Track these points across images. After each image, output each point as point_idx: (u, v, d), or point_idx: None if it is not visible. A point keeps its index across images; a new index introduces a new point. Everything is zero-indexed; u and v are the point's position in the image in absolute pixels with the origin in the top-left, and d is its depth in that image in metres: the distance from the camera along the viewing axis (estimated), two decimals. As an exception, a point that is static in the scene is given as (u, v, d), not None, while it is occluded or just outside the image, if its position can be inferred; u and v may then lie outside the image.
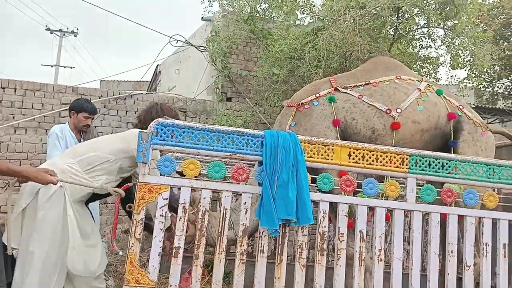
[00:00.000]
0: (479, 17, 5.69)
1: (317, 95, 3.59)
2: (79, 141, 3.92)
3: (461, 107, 3.72)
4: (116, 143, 2.71)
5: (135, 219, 2.34)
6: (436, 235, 2.62)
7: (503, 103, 15.43)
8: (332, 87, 3.63)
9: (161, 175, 2.42)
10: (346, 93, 3.58)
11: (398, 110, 3.44)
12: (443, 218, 2.69)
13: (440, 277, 2.61)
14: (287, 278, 2.43)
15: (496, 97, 15.86)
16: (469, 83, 9.78)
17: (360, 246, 2.53)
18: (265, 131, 2.53)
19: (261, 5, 8.01)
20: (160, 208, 2.37)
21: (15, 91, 6.49)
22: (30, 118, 6.42)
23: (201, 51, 8.50)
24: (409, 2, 5.30)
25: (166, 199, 2.39)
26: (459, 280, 2.64)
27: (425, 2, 5.59)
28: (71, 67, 31.01)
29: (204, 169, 2.56)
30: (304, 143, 2.55)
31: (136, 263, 2.30)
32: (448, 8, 5.59)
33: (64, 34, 23.48)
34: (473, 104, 9.81)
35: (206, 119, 7.70)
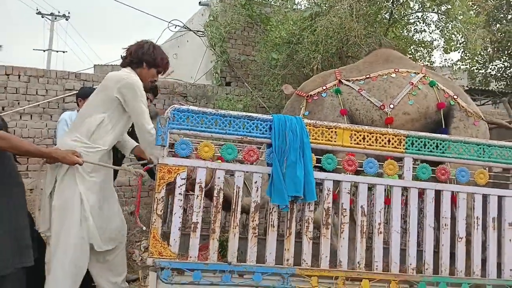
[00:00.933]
0: (472, 1, 5.85)
1: (324, 87, 3.91)
2: None
3: (455, 96, 3.95)
4: (101, 97, 2.78)
5: (156, 197, 2.54)
6: (431, 210, 2.85)
7: (496, 85, 15.69)
8: (337, 79, 3.94)
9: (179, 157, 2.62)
10: (348, 86, 3.91)
11: (391, 106, 3.77)
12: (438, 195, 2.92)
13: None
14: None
15: (488, 79, 16.09)
16: (462, 65, 9.98)
17: (361, 220, 2.76)
18: (273, 116, 2.72)
19: (258, -11, 8.13)
20: (178, 187, 2.58)
21: (19, 77, 6.63)
22: (34, 104, 6.58)
23: (199, 36, 8.62)
24: (405, -12, 5.46)
25: (184, 178, 2.59)
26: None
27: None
28: (64, 51, 30.71)
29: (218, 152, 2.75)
30: (309, 126, 2.75)
31: (158, 237, 2.51)
32: (442, -7, 5.76)
33: (55, 18, 23.25)
34: (466, 86, 10.03)
35: (206, 103, 7.88)
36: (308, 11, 6.22)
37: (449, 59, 6.97)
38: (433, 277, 2.78)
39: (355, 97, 3.86)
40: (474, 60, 11.55)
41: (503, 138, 4.66)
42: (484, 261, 2.90)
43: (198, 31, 8.62)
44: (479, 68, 15.68)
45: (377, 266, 2.74)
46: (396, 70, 4.01)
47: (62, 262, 2.61)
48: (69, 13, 23.35)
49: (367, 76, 3.98)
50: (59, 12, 23.52)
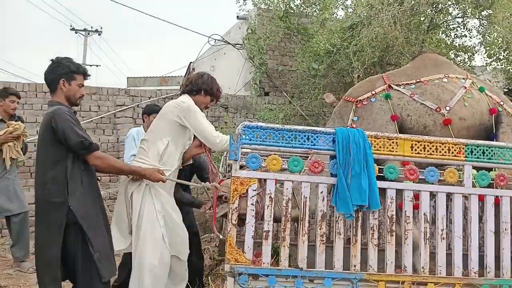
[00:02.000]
0: (515, 6, 5.87)
1: (373, 92, 3.88)
2: None
3: (501, 103, 4.03)
4: (163, 122, 3.05)
5: (231, 208, 2.74)
6: (491, 215, 2.94)
7: (534, 85, 15.31)
8: (386, 84, 3.92)
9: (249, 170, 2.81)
10: (399, 91, 3.87)
11: (447, 108, 3.76)
12: (496, 201, 3.00)
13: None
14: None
15: (526, 78, 15.71)
16: (498, 65, 9.84)
17: (424, 227, 2.87)
18: (336, 129, 2.88)
19: (295, 2, 8.31)
20: (250, 198, 2.77)
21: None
22: (88, 120, 6.93)
23: (238, 49, 8.86)
24: (446, -5, 5.54)
25: (255, 190, 2.79)
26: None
27: (460, -6, 5.82)
28: (97, 65, 31.71)
29: (284, 164, 2.93)
30: (371, 138, 2.89)
31: (234, 245, 2.71)
32: (482, -1, 5.80)
33: (88, 33, 24.10)
34: (505, 87, 9.87)
35: (246, 113, 8.10)
36: (348, 21, 6.36)
37: (490, 63, 6.92)
38: (496, 280, 2.87)
39: (407, 102, 3.84)
40: (510, 60, 11.34)
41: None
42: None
43: (236, 44, 8.87)
44: (515, 67, 15.31)
45: (441, 270, 2.85)
46: (447, 75, 4.05)
47: (145, 277, 2.83)
48: (101, 28, 24.11)
49: (418, 80, 3.96)
50: (91, 27, 24.29)
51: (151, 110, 4.45)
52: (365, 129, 3.51)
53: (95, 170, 2.82)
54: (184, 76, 14.21)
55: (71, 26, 24.02)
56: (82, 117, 6.95)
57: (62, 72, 2.69)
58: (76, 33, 23.95)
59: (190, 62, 13.14)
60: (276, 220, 2.96)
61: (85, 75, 2.81)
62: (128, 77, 21.74)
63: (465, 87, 3.93)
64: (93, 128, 6.90)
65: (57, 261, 2.50)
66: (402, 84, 3.92)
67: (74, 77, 2.72)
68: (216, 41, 9.30)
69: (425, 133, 3.75)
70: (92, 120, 6.94)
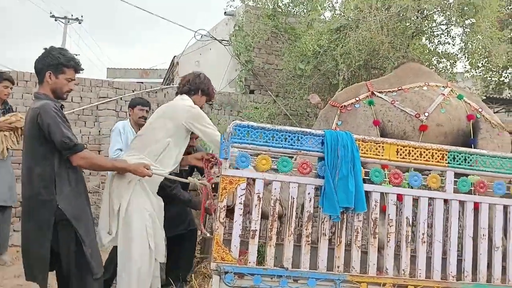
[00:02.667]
0: (497, 17, 6.04)
1: (357, 98, 4.10)
2: None
3: (480, 109, 4.21)
4: (167, 124, 3.05)
5: (218, 206, 2.76)
6: (470, 221, 3.04)
7: (509, 93, 15.76)
8: (369, 91, 4.14)
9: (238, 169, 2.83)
10: (381, 97, 4.10)
11: (426, 114, 3.97)
12: (475, 206, 3.10)
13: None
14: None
15: (502, 86, 16.15)
16: (477, 73, 10.09)
17: (406, 231, 2.95)
18: (325, 131, 2.93)
19: (283, 1, 8.33)
20: (239, 196, 2.79)
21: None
22: (70, 111, 6.82)
23: (224, 45, 8.84)
24: (432, 3, 5.65)
25: (244, 189, 2.81)
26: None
27: (446, 2, 5.94)
28: (77, 55, 31.08)
29: (274, 164, 2.95)
30: (359, 141, 2.95)
31: (221, 243, 2.72)
32: (467, 8, 5.94)
33: (68, 21, 23.64)
34: (484, 95, 10.12)
35: (231, 111, 8.11)
36: (336, 23, 6.43)
37: (470, 69, 7.10)
38: (472, 284, 2.97)
39: (388, 108, 4.05)
40: (488, 68, 11.62)
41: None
42: None
43: (223, 40, 8.85)
44: (493, 75, 15.72)
45: (420, 273, 2.93)
46: (427, 83, 4.22)
47: (133, 275, 2.83)
48: (82, 16, 23.67)
49: (399, 88, 4.18)
50: (72, 15, 23.83)
51: (135, 102, 4.45)
52: None
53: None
54: (168, 70, 14.08)
55: (51, 13, 23.52)
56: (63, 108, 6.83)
57: (50, 63, 2.59)
58: (55, 20, 23.46)
59: (174, 56, 13.04)
60: (264, 217, 3.00)
61: (77, 69, 2.68)
62: (108, 68, 21.41)
63: (444, 94, 4.12)
64: (74, 120, 6.79)
65: (48, 257, 2.47)
66: (385, 91, 4.15)
67: (63, 70, 2.60)
68: (203, 36, 9.25)
69: (404, 138, 3.89)
70: (74, 112, 6.83)
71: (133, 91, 7.30)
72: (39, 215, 2.50)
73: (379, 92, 4.14)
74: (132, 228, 2.82)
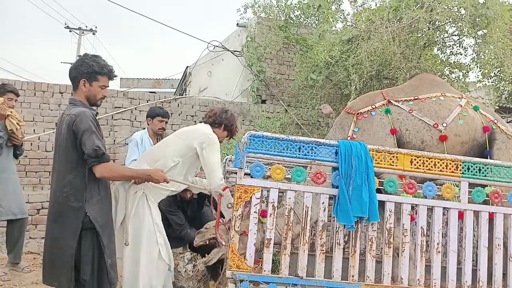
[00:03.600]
0: (510, 28, 6.04)
1: (373, 106, 4.04)
2: None
3: (495, 121, 4.21)
4: (180, 144, 3.11)
5: (234, 215, 2.80)
6: (485, 231, 3.04)
7: (523, 103, 15.62)
8: (385, 99, 4.08)
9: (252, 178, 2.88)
10: (398, 106, 4.04)
11: (444, 125, 3.93)
12: (490, 216, 3.10)
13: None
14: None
15: (515, 96, 16.03)
16: (489, 83, 10.05)
17: (421, 240, 2.96)
18: (339, 142, 2.96)
19: (294, 12, 8.43)
20: (254, 206, 2.83)
21: (72, 95, 6.97)
22: (85, 121, 6.91)
23: (236, 56, 8.94)
24: (444, 15, 5.69)
25: (259, 198, 2.85)
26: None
27: (458, 13, 5.97)
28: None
29: (288, 174, 3.00)
30: (372, 151, 2.98)
31: (236, 252, 2.76)
32: (479, 19, 5.96)
33: (83, 32, 23.98)
34: (497, 105, 10.07)
35: (243, 120, 8.17)
36: (347, 34, 6.48)
37: (483, 79, 7.09)
38: (488, 294, 2.96)
39: (406, 117, 4.00)
40: (500, 78, 11.55)
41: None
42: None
43: (235, 51, 8.95)
44: (505, 85, 15.58)
45: (435, 283, 2.93)
46: (443, 94, 4.22)
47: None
48: (96, 27, 24.04)
49: (415, 97, 4.13)
50: (86, 26, 24.19)
51: (155, 113, 4.49)
52: (365, 140, 3.63)
53: None
54: (180, 80, 14.25)
55: (65, 24, 23.91)
56: (80, 117, 6.95)
57: (84, 71, 2.64)
58: (70, 31, 23.83)
59: (187, 67, 13.20)
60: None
61: (110, 76, 2.74)
62: (121, 78, 21.69)
63: (461, 106, 4.10)
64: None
65: (72, 263, 2.52)
66: (401, 100, 4.09)
67: (97, 78, 2.66)
68: (215, 47, 9.37)
69: (422, 147, 3.88)
70: (89, 121, 6.93)
71: (147, 101, 7.40)
72: (68, 221, 2.54)
73: (395, 101, 4.10)
74: (143, 243, 2.89)
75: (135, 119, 7.15)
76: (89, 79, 2.65)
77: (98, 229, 2.55)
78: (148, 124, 4.45)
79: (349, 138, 3.88)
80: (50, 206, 2.71)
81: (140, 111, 7.11)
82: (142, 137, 4.32)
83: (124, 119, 7.05)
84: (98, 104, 2.77)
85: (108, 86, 2.78)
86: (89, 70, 2.65)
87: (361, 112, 4.04)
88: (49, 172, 6.33)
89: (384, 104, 4.06)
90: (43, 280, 2.69)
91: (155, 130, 4.42)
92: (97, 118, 2.71)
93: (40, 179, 6.37)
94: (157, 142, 4.49)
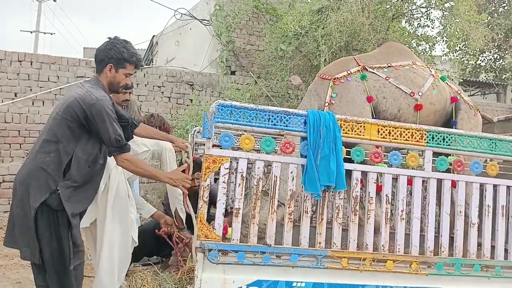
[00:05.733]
0: (476, 1, 6.13)
1: (349, 72, 3.92)
2: None
3: (459, 91, 4.29)
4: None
5: (202, 185, 2.77)
6: (447, 198, 3.14)
7: (485, 76, 16.12)
8: (359, 65, 3.98)
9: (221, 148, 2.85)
10: (374, 73, 3.95)
11: (420, 93, 3.91)
12: (453, 184, 3.20)
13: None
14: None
15: (478, 70, 16.51)
16: (455, 56, 10.27)
17: (386, 208, 3.03)
18: (308, 111, 2.95)
19: (264, -19, 8.25)
20: (222, 176, 2.81)
21: (31, 64, 6.72)
22: (47, 91, 6.69)
23: (205, 25, 8.73)
24: (414, -15, 5.70)
25: (227, 168, 2.83)
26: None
27: (426, -16, 6.00)
28: (51, 33, 30.28)
29: (257, 144, 2.98)
30: (341, 121, 2.99)
31: (204, 221, 2.75)
32: (447, -10, 6.02)
33: (43, -1, 22.92)
34: (461, 78, 10.35)
35: (212, 92, 8.07)
36: (317, 4, 6.41)
37: (448, 53, 7.23)
38: (449, 258, 3.08)
39: (383, 84, 3.92)
40: (465, 51, 11.84)
41: (505, 131, 5.01)
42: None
43: (203, 19, 8.74)
44: (470, 59, 16.05)
45: (399, 249, 3.02)
46: (414, 62, 4.22)
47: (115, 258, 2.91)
48: (56, -6, 22.95)
49: (389, 65, 4.06)
50: (46, -7, 23.06)
51: None
52: (344, 106, 3.64)
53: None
54: (147, 50, 13.85)
55: (24, -10, 22.73)
56: (40, 87, 6.69)
57: (113, 56, 2.57)
58: (29, -2, 22.67)
59: (153, 36, 12.81)
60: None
61: (137, 65, 2.67)
62: (84, 48, 20.91)
63: (433, 75, 4.13)
64: (51, 100, 6.66)
65: (34, 229, 2.43)
66: (375, 67, 4.01)
67: (124, 65, 2.61)
68: (182, 15, 9.11)
69: (398, 115, 3.90)
70: (51, 91, 6.69)
71: (112, 71, 7.16)
72: (37, 184, 2.43)
73: (370, 68, 4.00)
74: (118, 211, 2.87)
75: (99, 89, 6.92)
76: (116, 65, 2.59)
77: (67, 209, 2.46)
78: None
79: (327, 104, 3.81)
80: (22, 168, 2.57)
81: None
82: None
83: (87, 89, 6.80)
84: (120, 91, 2.76)
85: (131, 75, 2.72)
86: (118, 56, 2.58)
87: (337, 77, 3.91)
88: (10, 144, 6.10)
89: (359, 70, 3.96)
90: (5, 243, 2.60)
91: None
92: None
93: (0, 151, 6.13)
94: (122, 113, 4.39)
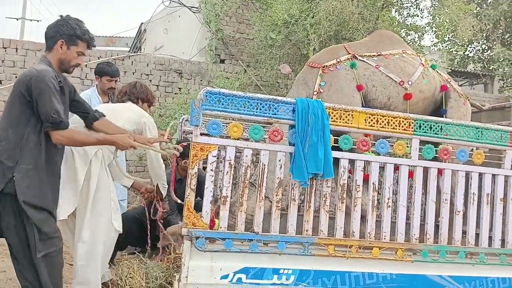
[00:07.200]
0: (465, -10, 6.15)
1: (338, 60, 3.89)
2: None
3: (449, 80, 4.30)
4: (131, 115, 3.22)
5: (190, 173, 2.76)
6: (433, 186, 3.17)
7: (474, 67, 16.25)
8: (349, 53, 3.96)
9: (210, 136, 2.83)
10: (364, 61, 3.93)
11: (410, 82, 3.92)
12: (439, 172, 3.23)
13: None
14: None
15: (466, 60, 16.64)
16: (443, 47, 10.31)
17: (372, 196, 3.05)
18: (296, 99, 2.95)
19: (254, -32, 8.18)
20: (210, 164, 2.80)
21: (16, 50, 6.61)
22: (33, 78, 6.55)
23: (194, 12, 8.64)
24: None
25: (215, 156, 2.81)
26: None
27: (416, -27, 5.99)
28: (38, 21, 29.73)
29: (245, 132, 2.97)
30: (329, 109, 2.99)
31: (192, 209, 2.74)
32: (436, -20, 6.02)
33: (29, -15, 22.46)
34: (449, 68, 10.41)
35: (201, 80, 8.01)
36: (307, -8, 6.38)
37: (437, 43, 7.26)
38: (434, 246, 3.12)
39: (373, 73, 3.90)
40: (454, 42, 11.89)
41: (492, 120, 5.05)
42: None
43: (192, 7, 8.64)
44: (458, 49, 16.13)
45: (385, 236, 3.05)
46: (404, 51, 4.22)
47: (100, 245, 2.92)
48: (43, -19, 22.51)
49: (379, 53, 4.04)
50: (33, -20, 22.62)
51: (102, 72, 4.28)
52: (333, 95, 3.63)
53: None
54: (135, 38, 13.68)
55: (10, -23, 22.24)
56: (26, 74, 6.57)
57: (65, 32, 2.50)
58: (15, -16, 22.22)
59: (142, 23, 12.65)
60: None
61: (90, 43, 2.60)
62: (72, 35, 20.50)
63: (423, 64, 4.13)
64: (38, 87, 6.54)
65: None
66: (365, 55, 3.99)
67: (76, 42, 2.53)
68: (171, 2, 9.00)
69: (388, 104, 3.90)
70: (37, 79, 6.56)
71: (98, 58, 7.07)
72: None
73: (360, 56, 3.97)
74: (100, 205, 2.88)
75: (85, 76, 6.84)
76: (68, 41, 2.52)
77: (20, 196, 2.40)
78: (97, 82, 4.26)
79: (315, 93, 3.79)
80: None
81: (90, 68, 6.79)
82: (90, 96, 4.13)
83: (73, 76, 6.71)
84: (70, 71, 2.64)
85: (84, 54, 2.65)
86: (70, 33, 2.51)
87: (326, 66, 3.88)
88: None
89: (349, 59, 3.93)
90: None
91: (104, 90, 4.24)
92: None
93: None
94: (109, 100, 4.33)
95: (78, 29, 2.54)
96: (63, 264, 2.71)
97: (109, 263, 3.26)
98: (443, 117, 3.95)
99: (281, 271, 2.85)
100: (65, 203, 2.87)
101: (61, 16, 2.61)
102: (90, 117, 2.91)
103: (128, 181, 3.27)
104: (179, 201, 3.01)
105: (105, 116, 3.00)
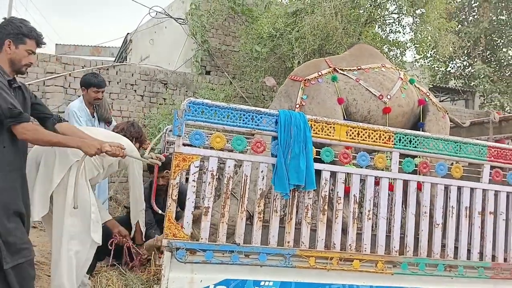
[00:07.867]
0: (446, 9, 6.31)
1: (320, 73, 3.97)
2: (92, 116, 4.20)
3: (428, 94, 4.41)
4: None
5: (171, 183, 2.75)
6: (413, 199, 3.21)
7: (455, 83, 16.58)
8: (330, 67, 4.03)
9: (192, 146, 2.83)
10: (344, 75, 4.02)
11: (388, 97, 4.00)
12: (418, 186, 3.28)
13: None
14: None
15: (448, 77, 16.97)
16: (425, 63, 10.53)
17: (354, 207, 3.07)
18: (279, 111, 2.97)
19: (240, -18, 8.25)
20: (192, 174, 2.80)
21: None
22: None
23: (180, 23, 8.66)
24: (386, -9, 5.83)
25: (197, 167, 2.81)
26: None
27: (398, -9, 6.14)
28: (23, 28, 29.40)
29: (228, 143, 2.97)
30: (311, 121, 3.02)
31: (173, 220, 2.72)
32: (418, -3, 6.17)
33: (15, -6, 22.31)
34: (431, 84, 10.62)
35: (186, 91, 8.01)
36: (292, 7, 6.47)
37: (419, 60, 7.41)
38: (414, 258, 3.15)
39: (353, 86, 3.98)
40: (436, 58, 12.13)
41: (471, 135, 5.16)
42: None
43: (179, 18, 8.67)
44: (440, 66, 16.44)
45: (365, 248, 3.07)
46: (383, 65, 4.31)
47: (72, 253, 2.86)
48: (30, -11, 22.36)
49: (359, 67, 4.14)
50: (18, -14, 22.47)
51: (89, 83, 4.22)
52: (314, 108, 3.66)
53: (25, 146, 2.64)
54: (121, 48, 13.63)
55: (-6, -16, 22.06)
56: (8, 82, 6.48)
57: (11, 32, 2.48)
58: (1, -8, 22.03)
59: (128, 33, 12.62)
60: None
61: (38, 41, 2.57)
62: (56, 44, 20.37)
63: (401, 78, 4.22)
64: (20, 95, 6.45)
65: None
66: (346, 69, 4.07)
67: (24, 41, 2.50)
68: (158, 13, 9.02)
69: (368, 117, 3.97)
70: (19, 87, 6.48)
71: (82, 67, 7.02)
72: None
73: (341, 69, 4.05)
74: (77, 216, 2.85)
75: (69, 86, 6.77)
76: (15, 40, 2.49)
77: None
78: (83, 93, 4.22)
79: (297, 106, 3.84)
80: None
81: (74, 77, 6.74)
82: (80, 109, 4.09)
83: (57, 85, 6.65)
84: (23, 71, 2.59)
85: (35, 53, 2.61)
86: (16, 31, 2.49)
87: (308, 79, 3.94)
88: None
89: (330, 72, 4.00)
90: None
91: (91, 101, 4.21)
92: (27, 84, 2.54)
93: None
94: (94, 111, 4.30)
95: (24, 27, 2.52)
96: (34, 276, 2.63)
97: (88, 274, 3.20)
98: (421, 130, 4.04)
99: (262, 283, 2.84)
100: (36, 204, 2.81)
101: (4, 18, 2.59)
102: (53, 119, 2.85)
103: (102, 217, 3.19)
104: (160, 211, 2.99)
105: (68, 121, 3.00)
